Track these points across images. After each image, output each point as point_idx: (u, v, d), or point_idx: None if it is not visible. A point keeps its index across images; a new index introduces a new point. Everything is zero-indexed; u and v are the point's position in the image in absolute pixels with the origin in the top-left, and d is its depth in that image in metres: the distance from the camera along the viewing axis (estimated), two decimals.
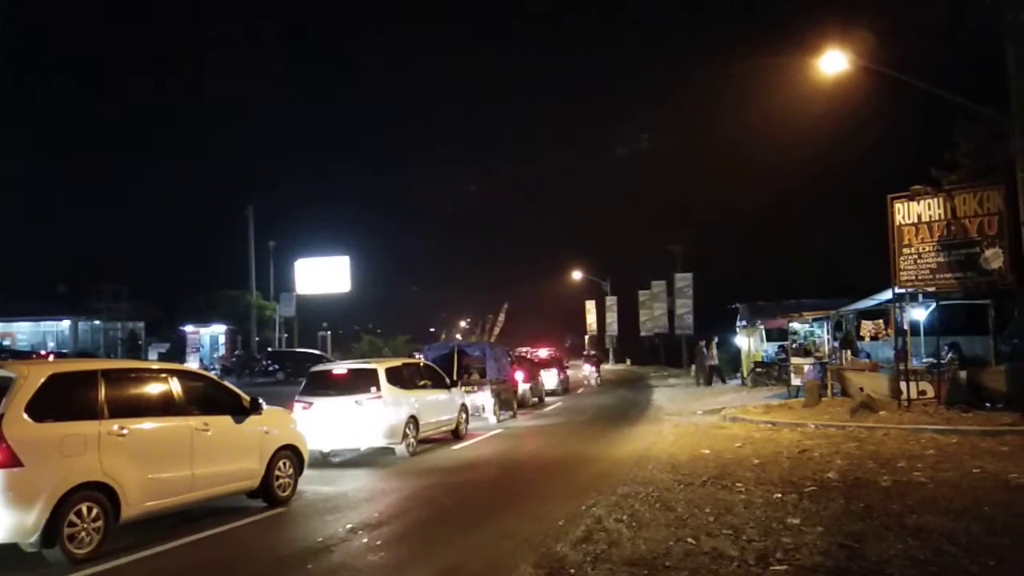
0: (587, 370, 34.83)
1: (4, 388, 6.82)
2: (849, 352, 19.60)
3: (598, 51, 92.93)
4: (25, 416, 6.74)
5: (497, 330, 42.93)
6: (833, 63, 15.21)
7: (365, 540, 7.69)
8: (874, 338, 21.02)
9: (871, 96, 22.83)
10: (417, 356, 21.42)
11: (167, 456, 7.93)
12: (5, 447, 6.50)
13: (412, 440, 13.61)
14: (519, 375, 23.01)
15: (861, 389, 16.62)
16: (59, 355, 33.22)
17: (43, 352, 35.66)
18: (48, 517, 6.62)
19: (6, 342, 41.87)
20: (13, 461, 6.51)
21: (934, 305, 16.52)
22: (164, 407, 8.09)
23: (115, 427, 7.37)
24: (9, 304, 45.12)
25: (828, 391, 18.15)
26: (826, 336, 21.27)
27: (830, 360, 19.89)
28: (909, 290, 15.60)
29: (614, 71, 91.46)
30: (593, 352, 42.99)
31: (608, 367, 51.70)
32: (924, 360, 16.71)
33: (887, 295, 16.85)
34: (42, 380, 7.02)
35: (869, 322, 21.18)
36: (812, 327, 22.94)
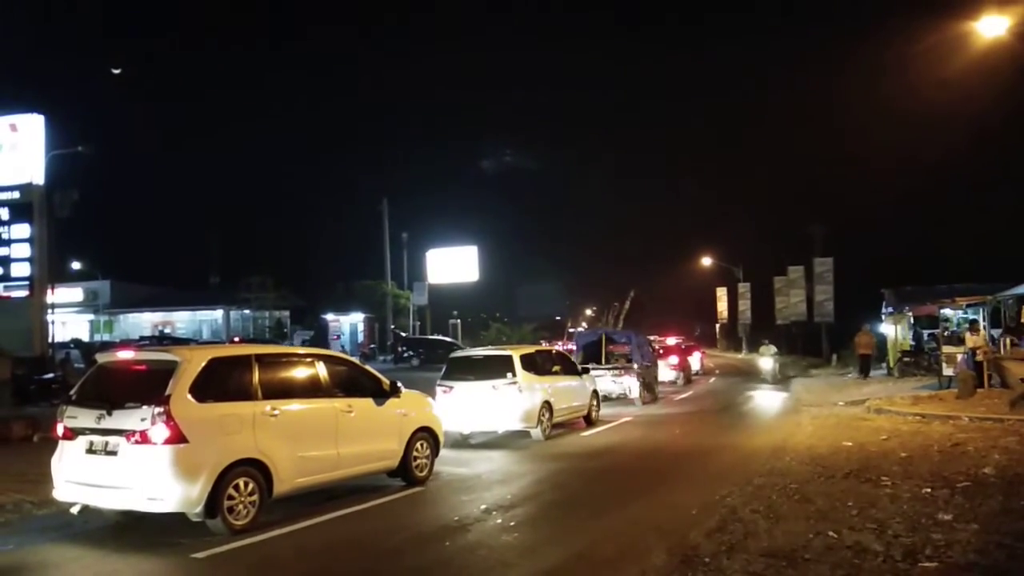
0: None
1: (170, 371, 7.40)
2: (1009, 340, 18.20)
3: (730, 37, 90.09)
4: (189, 397, 7.31)
5: (622, 318, 42.53)
6: (992, 27, 14.18)
7: (499, 521, 7.87)
8: None
9: None
10: (543, 343, 21.94)
11: (314, 435, 8.40)
12: (173, 425, 7.08)
13: (546, 424, 13.88)
14: (673, 360, 26.06)
15: (1022, 380, 15.44)
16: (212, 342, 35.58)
17: (236, 338, 38.18)
18: (210, 490, 7.16)
19: (167, 330, 45.35)
20: (180, 438, 7.09)
21: None
22: (311, 389, 8.58)
23: (268, 407, 7.87)
24: (169, 295, 49.03)
25: (985, 382, 16.95)
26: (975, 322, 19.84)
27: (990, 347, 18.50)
28: None
29: (749, 58, 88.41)
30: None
31: (741, 356, 50.25)
32: None
33: None
34: (203, 364, 7.58)
35: None
36: (967, 313, 21.46)
